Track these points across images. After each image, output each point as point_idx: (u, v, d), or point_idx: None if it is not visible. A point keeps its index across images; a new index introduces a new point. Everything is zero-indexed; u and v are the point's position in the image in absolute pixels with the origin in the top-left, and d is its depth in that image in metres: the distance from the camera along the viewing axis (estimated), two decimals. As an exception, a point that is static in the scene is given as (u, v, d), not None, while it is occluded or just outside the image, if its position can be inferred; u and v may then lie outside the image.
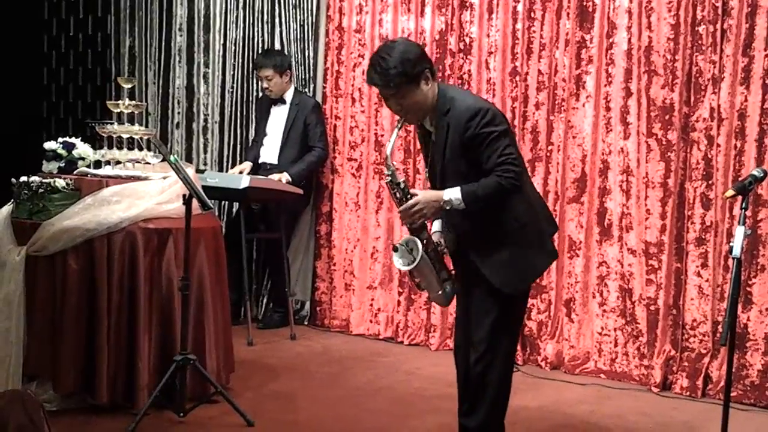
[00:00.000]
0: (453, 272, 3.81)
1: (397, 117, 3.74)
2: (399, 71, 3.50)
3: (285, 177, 6.19)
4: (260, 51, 6.75)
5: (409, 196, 3.59)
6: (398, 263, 3.69)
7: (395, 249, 3.68)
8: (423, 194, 3.60)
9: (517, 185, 3.52)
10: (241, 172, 6.29)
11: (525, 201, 3.65)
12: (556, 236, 5.58)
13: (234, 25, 6.94)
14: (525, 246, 3.63)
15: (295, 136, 6.42)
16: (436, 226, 3.84)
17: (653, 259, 5.35)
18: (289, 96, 6.49)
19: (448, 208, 3.55)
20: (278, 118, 6.51)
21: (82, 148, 4.92)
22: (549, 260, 3.89)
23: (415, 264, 3.63)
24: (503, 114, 3.76)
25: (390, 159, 3.63)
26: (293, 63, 6.63)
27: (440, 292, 3.75)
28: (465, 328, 3.78)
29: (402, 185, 3.61)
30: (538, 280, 5.73)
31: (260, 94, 6.68)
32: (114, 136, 4.84)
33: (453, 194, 3.54)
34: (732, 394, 4.81)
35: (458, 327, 3.91)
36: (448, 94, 3.63)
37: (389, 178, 3.61)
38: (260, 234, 6.51)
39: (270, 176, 6.18)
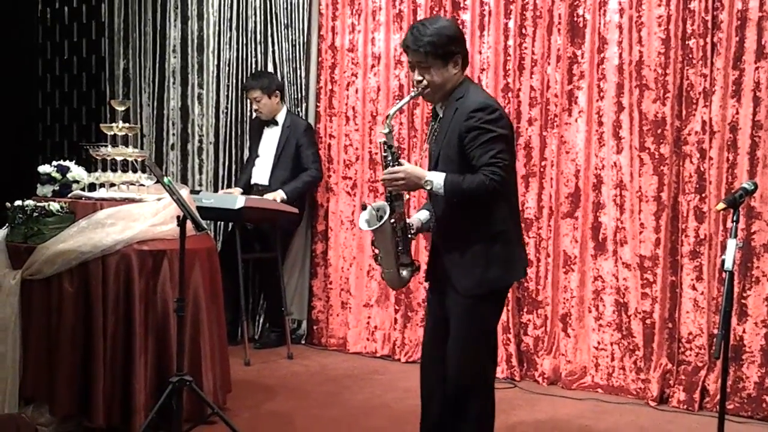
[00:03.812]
0: (417, 263, 3.79)
1: (413, 86, 3.72)
2: (431, 41, 3.54)
3: (280, 195, 6.20)
4: (253, 72, 6.78)
5: (397, 162, 3.61)
6: (363, 223, 3.68)
7: (364, 207, 3.71)
8: (409, 166, 3.60)
9: (499, 189, 3.48)
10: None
11: (507, 211, 3.64)
12: (551, 250, 5.66)
13: (227, 45, 6.98)
14: (493, 254, 3.59)
15: (286, 158, 6.44)
16: (422, 213, 3.83)
17: (648, 272, 5.36)
18: (281, 117, 6.51)
19: (428, 188, 3.55)
20: (270, 139, 6.53)
21: (76, 171, 4.92)
22: (513, 277, 3.83)
23: (376, 227, 3.63)
24: (511, 123, 3.75)
25: (390, 119, 3.64)
26: (285, 83, 6.66)
27: (393, 271, 3.72)
28: (436, 340, 3.75)
29: (393, 150, 3.62)
30: (533, 296, 5.76)
31: (254, 115, 6.70)
32: (108, 158, 4.85)
33: (436, 178, 3.53)
34: (729, 407, 4.84)
35: (429, 339, 3.86)
36: (467, 86, 3.67)
37: (384, 138, 3.62)
38: (256, 254, 6.52)
39: (264, 196, 6.20)
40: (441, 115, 3.69)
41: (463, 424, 3.69)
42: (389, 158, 3.62)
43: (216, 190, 6.91)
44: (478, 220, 3.57)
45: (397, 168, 3.59)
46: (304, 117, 6.63)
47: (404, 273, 3.75)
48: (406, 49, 3.66)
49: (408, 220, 3.76)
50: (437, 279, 3.77)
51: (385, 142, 3.63)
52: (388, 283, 3.86)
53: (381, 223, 3.63)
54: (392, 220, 3.65)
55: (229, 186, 6.84)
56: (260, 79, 6.50)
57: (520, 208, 5.68)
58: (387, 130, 3.63)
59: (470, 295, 3.59)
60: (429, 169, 3.68)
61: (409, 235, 3.74)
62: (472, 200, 3.52)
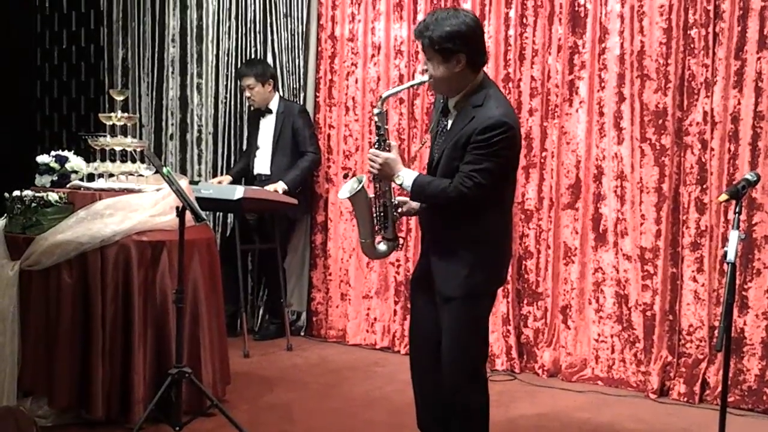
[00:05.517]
0: (399, 241, 3.85)
1: (419, 72, 3.72)
2: (432, 36, 3.49)
3: (281, 186, 6.16)
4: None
5: (384, 145, 3.66)
6: (343, 191, 3.76)
7: (346, 176, 3.77)
8: (392, 156, 3.64)
9: (461, 201, 3.47)
10: (219, 183, 6.32)
11: (496, 219, 3.63)
12: (551, 242, 5.64)
13: (226, 35, 6.94)
14: (477, 259, 3.58)
15: (284, 144, 6.41)
16: None
17: (649, 264, 5.34)
18: (274, 105, 6.48)
19: (398, 182, 3.60)
20: (267, 128, 6.50)
21: (75, 161, 4.90)
22: (497, 283, 3.81)
23: (350, 195, 3.70)
24: (519, 148, 3.70)
25: (383, 102, 3.66)
26: (284, 72, 6.63)
27: (368, 241, 3.80)
28: (426, 338, 3.77)
29: (382, 131, 3.67)
30: (533, 288, 5.74)
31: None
32: (107, 148, 4.83)
33: (407, 176, 3.59)
34: (729, 400, 4.82)
35: (418, 336, 3.88)
36: (489, 93, 3.56)
37: (377, 117, 3.66)
38: (255, 245, 6.50)
39: (265, 188, 6.16)
40: (453, 113, 3.64)
41: (455, 419, 3.68)
42: (377, 138, 3.68)
43: (215, 181, 6.88)
44: (465, 223, 3.57)
45: (379, 152, 3.64)
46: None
47: (382, 246, 3.84)
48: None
49: (400, 199, 3.82)
50: (424, 273, 3.78)
51: (376, 121, 3.68)
52: (363, 252, 3.94)
53: (355, 192, 3.70)
54: (372, 195, 3.73)
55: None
56: (254, 66, 6.47)
57: (521, 199, 5.71)
58: (378, 111, 3.66)
59: (453, 297, 3.60)
60: (429, 165, 3.68)
61: (396, 213, 3.79)
62: (435, 204, 3.59)
